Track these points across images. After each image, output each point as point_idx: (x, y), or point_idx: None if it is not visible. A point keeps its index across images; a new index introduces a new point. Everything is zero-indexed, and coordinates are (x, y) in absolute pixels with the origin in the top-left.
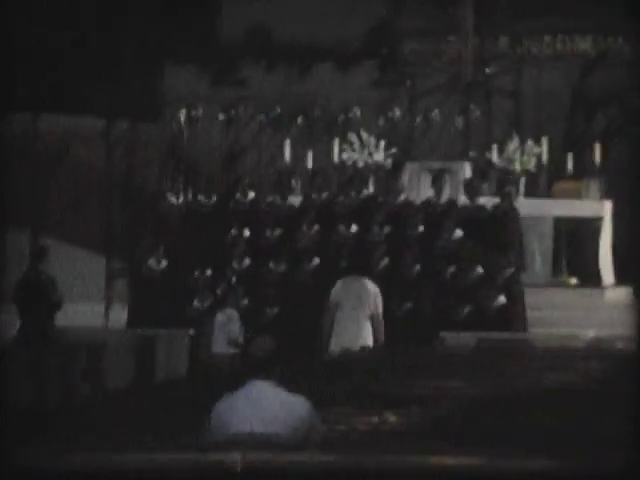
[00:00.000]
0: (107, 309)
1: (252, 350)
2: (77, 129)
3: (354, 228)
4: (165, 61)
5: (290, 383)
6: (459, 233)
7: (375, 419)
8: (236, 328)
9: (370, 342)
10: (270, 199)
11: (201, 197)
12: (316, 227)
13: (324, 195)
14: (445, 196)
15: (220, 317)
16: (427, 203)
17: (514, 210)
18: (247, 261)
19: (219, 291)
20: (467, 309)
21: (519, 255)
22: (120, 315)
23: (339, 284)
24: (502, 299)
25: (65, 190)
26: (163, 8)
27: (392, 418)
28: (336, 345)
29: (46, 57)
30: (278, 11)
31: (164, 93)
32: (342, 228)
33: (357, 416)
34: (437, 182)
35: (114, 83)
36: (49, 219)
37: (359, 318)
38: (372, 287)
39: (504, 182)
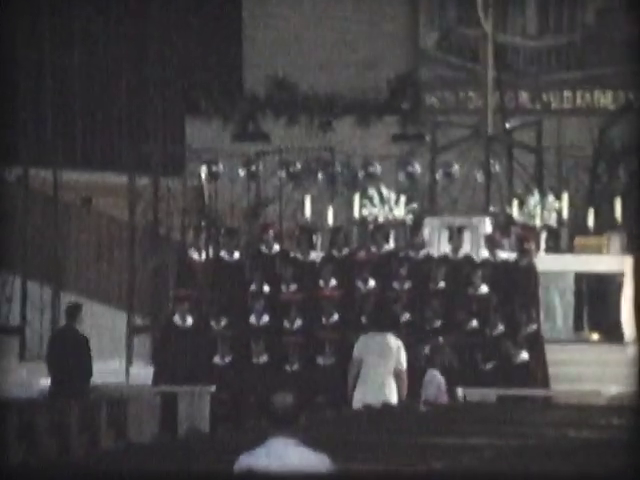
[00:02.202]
0: (128, 366)
1: (273, 406)
2: (100, 184)
3: (374, 283)
4: (187, 116)
5: (311, 439)
6: (480, 288)
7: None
8: None
9: (394, 398)
10: (292, 254)
11: (223, 252)
12: (336, 282)
13: (345, 250)
14: (465, 251)
15: None
16: (445, 258)
17: (533, 266)
18: (267, 317)
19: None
20: (489, 365)
21: (538, 311)
22: (141, 371)
23: (362, 340)
24: (524, 355)
25: (87, 244)
26: (185, 63)
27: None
28: (359, 401)
29: (67, 112)
30: (299, 65)
31: (186, 147)
32: (362, 283)
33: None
34: (454, 238)
35: (136, 137)
36: (70, 273)
37: (382, 374)
38: (394, 342)
39: (524, 238)
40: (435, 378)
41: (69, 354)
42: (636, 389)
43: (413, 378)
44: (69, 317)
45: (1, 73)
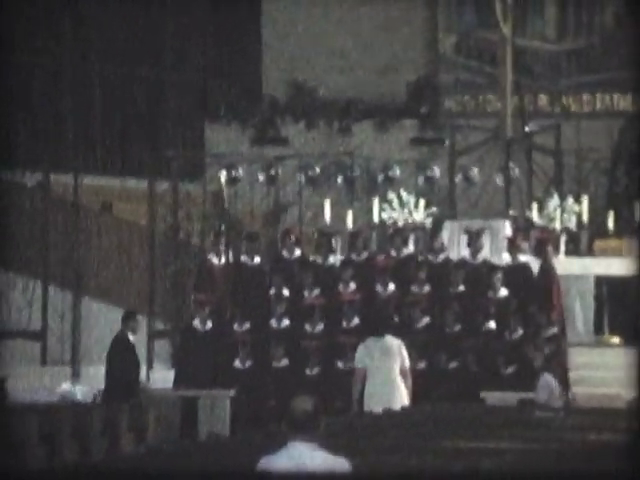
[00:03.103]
0: (148, 369)
1: (292, 410)
2: (120, 189)
3: (393, 287)
4: (206, 120)
5: (331, 443)
6: (500, 292)
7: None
8: None
9: (406, 400)
10: (311, 259)
11: (244, 257)
12: (356, 286)
13: (364, 254)
14: (484, 255)
15: None
16: (465, 262)
17: (553, 269)
18: (286, 321)
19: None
20: (510, 368)
21: (560, 314)
22: (162, 375)
23: (361, 348)
24: (545, 358)
25: (107, 249)
26: (204, 68)
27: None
28: (370, 407)
29: (88, 118)
30: (318, 69)
31: (205, 152)
32: (382, 287)
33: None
34: (473, 242)
35: (156, 143)
36: (90, 278)
37: (390, 376)
38: (395, 342)
39: (544, 241)
40: (548, 382)
41: (123, 357)
42: None
43: (432, 381)
44: (122, 324)
45: (22, 80)
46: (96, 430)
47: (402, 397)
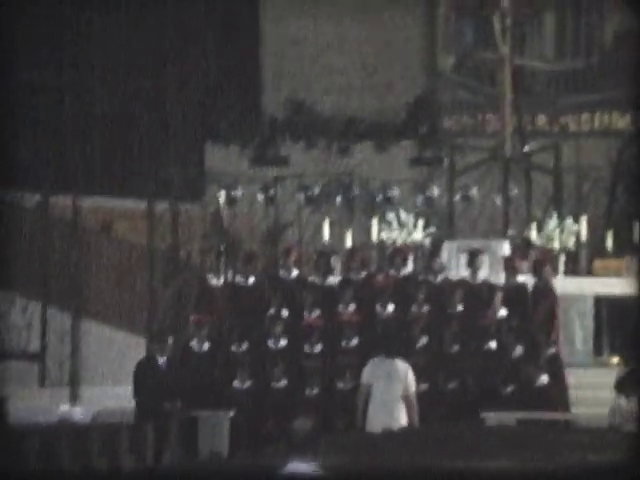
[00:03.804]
0: None
1: (293, 431)
2: (119, 209)
3: (392, 307)
4: (205, 140)
5: (329, 462)
6: (499, 312)
7: None
8: None
9: (404, 422)
10: (310, 279)
11: (240, 277)
12: (355, 306)
13: (363, 274)
14: (483, 275)
15: None
16: (464, 282)
17: (552, 289)
18: (285, 341)
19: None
20: (510, 388)
21: (557, 335)
22: None
23: (369, 366)
24: (544, 378)
25: (107, 270)
26: (203, 88)
27: None
28: (370, 427)
29: (87, 138)
30: (317, 89)
31: (205, 172)
32: (381, 307)
33: None
34: (472, 262)
35: (155, 163)
36: (90, 299)
37: (391, 399)
38: (403, 366)
39: (543, 261)
40: (621, 405)
41: (151, 378)
42: None
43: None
44: (150, 345)
45: (21, 101)
46: (95, 451)
47: (400, 420)
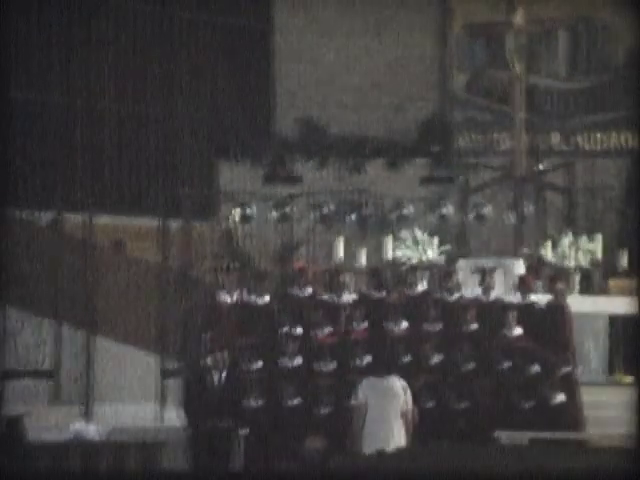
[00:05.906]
0: (162, 409)
1: (305, 449)
2: (132, 228)
3: (405, 325)
4: (218, 158)
5: None
6: (513, 330)
7: None
8: None
9: (403, 441)
10: (323, 297)
11: (253, 295)
12: (368, 324)
13: (377, 293)
14: (497, 293)
15: None
16: (477, 300)
17: (566, 308)
18: (298, 359)
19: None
20: (524, 407)
21: (573, 353)
22: (174, 414)
23: (365, 384)
24: (560, 397)
25: (119, 288)
26: (215, 106)
27: None
28: (369, 446)
29: (99, 156)
30: (329, 107)
31: (217, 190)
32: (394, 325)
33: None
34: (485, 281)
35: (168, 181)
36: (102, 317)
37: (390, 417)
38: (399, 383)
39: (557, 279)
40: None
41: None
42: None
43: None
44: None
45: (34, 118)
46: (107, 469)
47: (399, 438)
